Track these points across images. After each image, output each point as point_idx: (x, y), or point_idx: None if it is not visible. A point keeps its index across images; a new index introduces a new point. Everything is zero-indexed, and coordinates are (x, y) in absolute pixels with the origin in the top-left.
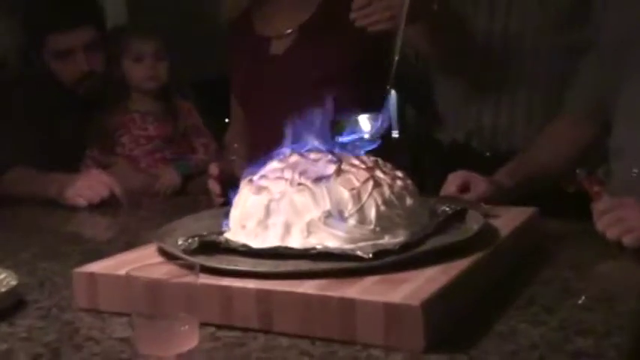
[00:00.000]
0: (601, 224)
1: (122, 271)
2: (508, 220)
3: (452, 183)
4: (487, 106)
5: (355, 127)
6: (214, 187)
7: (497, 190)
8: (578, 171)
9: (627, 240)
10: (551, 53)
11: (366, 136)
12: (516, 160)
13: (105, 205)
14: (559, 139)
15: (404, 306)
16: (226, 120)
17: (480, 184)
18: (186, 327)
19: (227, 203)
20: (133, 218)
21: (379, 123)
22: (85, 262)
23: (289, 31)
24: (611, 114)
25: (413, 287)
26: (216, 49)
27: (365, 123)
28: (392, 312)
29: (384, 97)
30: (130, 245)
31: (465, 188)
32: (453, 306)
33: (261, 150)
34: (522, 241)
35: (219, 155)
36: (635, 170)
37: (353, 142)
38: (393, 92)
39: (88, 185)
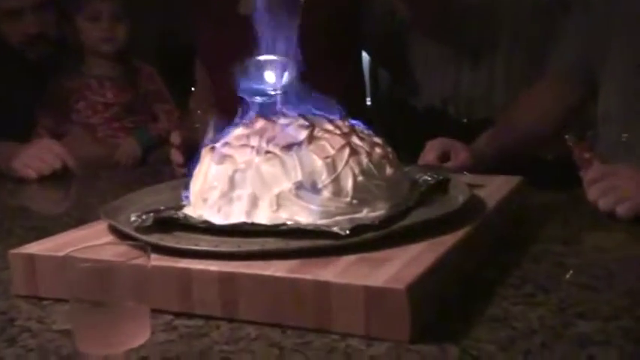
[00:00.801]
0: (592, 193)
1: (64, 252)
2: (493, 190)
3: (430, 151)
4: (464, 71)
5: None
6: (176, 156)
7: (478, 158)
8: (567, 136)
9: (621, 210)
10: (532, 15)
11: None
12: (497, 126)
13: (57, 178)
14: (542, 102)
15: (387, 290)
16: (192, 89)
17: (460, 152)
18: (136, 317)
19: (190, 174)
20: (87, 191)
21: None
22: (26, 241)
23: None
24: (597, 76)
25: (396, 268)
26: (185, 11)
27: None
28: (373, 297)
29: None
30: (81, 222)
31: (444, 157)
32: (440, 288)
33: (227, 118)
34: (509, 213)
35: (182, 123)
36: (625, 135)
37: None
38: (365, 56)
39: (38, 155)
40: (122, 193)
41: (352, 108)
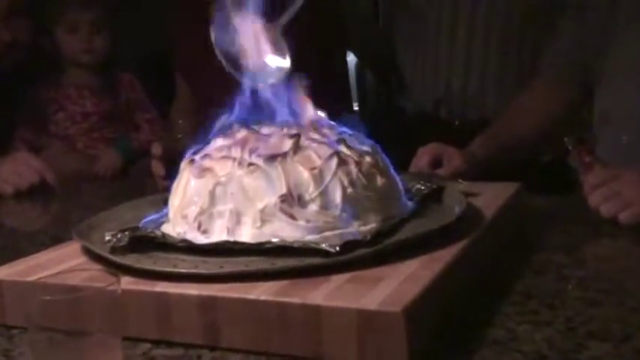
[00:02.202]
0: (594, 199)
1: (32, 277)
2: (490, 198)
3: (422, 157)
4: (456, 72)
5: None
6: (158, 168)
7: (472, 164)
8: (566, 139)
9: (624, 217)
10: (525, 15)
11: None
12: (490, 129)
13: (35, 193)
14: (537, 104)
15: (382, 313)
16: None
17: (453, 158)
18: (107, 348)
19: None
20: (66, 207)
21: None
22: None
23: None
24: (594, 77)
25: (391, 288)
26: (165, 19)
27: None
28: (367, 321)
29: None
30: (57, 240)
31: (436, 162)
32: (439, 308)
33: (209, 126)
34: (507, 223)
35: (164, 133)
36: (625, 137)
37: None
38: (352, 57)
39: (15, 170)
40: (104, 207)
41: (337, 111)
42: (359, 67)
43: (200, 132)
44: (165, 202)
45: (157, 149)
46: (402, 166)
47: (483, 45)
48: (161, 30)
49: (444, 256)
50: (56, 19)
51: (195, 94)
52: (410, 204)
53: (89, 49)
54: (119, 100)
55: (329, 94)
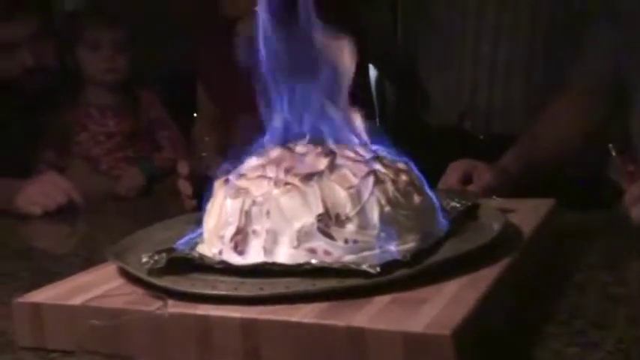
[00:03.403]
0: (637, 211)
1: (74, 301)
2: (526, 214)
3: (452, 173)
4: (480, 84)
5: None
6: (185, 187)
7: (504, 179)
8: (610, 145)
9: None
10: (550, 26)
11: None
12: (521, 143)
13: (62, 213)
14: (569, 116)
15: (430, 336)
16: (195, 114)
17: (484, 174)
18: None
19: (200, 206)
20: (93, 227)
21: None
22: (31, 284)
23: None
24: (630, 88)
25: (436, 309)
26: (185, 38)
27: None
28: (414, 344)
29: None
30: (88, 261)
31: (467, 179)
32: (485, 330)
33: (234, 143)
34: (546, 240)
35: (188, 151)
36: None
37: None
38: (372, 69)
39: (42, 191)
40: (130, 227)
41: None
42: (379, 80)
43: (226, 150)
44: (199, 222)
45: (183, 168)
46: (427, 180)
47: (508, 57)
48: (181, 46)
49: (487, 275)
50: (79, 38)
51: (218, 109)
52: (446, 222)
53: (112, 68)
54: (141, 119)
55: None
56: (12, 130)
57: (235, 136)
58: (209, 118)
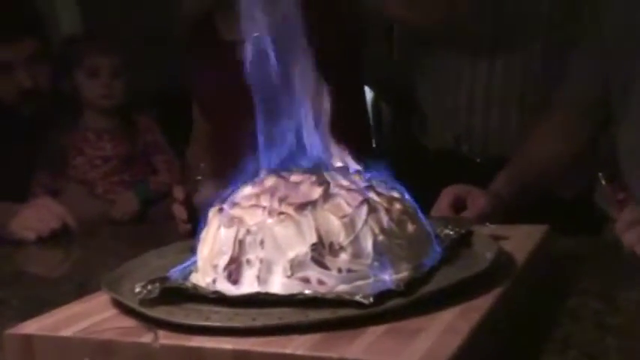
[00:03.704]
0: (629, 238)
1: (66, 332)
2: (519, 241)
3: (445, 199)
4: (477, 108)
5: None
6: (180, 212)
7: (497, 204)
8: (600, 174)
9: None
10: (546, 47)
11: None
12: (512, 166)
13: (56, 238)
14: (554, 136)
15: None
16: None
17: (478, 199)
18: None
19: (195, 231)
20: (88, 252)
21: None
22: (23, 313)
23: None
24: (614, 110)
25: (430, 340)
26: (179, 61)
27: None
28: None
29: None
30: (81, 288)
31: (460, 204)
32: (480, 359)
33: (229, 168)
34: (540, 267)
35: (185, 176)
36: None
37: None
38: (368, 92)
39: (37, 216)
40: (124, 252)
41: (358, 149)
42: (375, 102)
43: (221, 175)
44: (193, 250)
45: (178, 193)
46: (423, 203)
47: (504, 81)
48: (176, 68)
49: (481, 304)
50: (77, 63)
51: (213, 129)
52: (439, 250)
53: (109, 94)
54: (137, 143)
55: (349, 131)
56: (8, 153)
57: (230, 158)
58: (204, 140)
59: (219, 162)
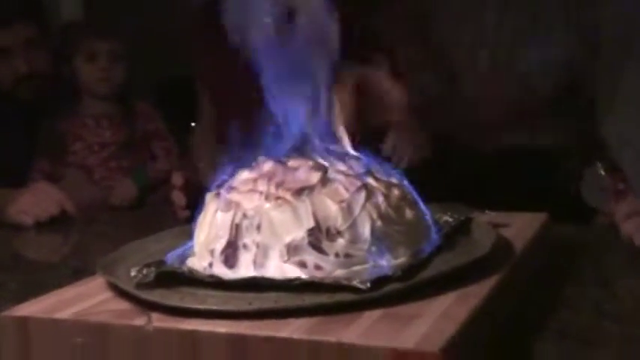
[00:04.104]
0: (627, 228)
1: (61, 315)
2: (518, 229)
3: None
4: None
5: None
6: (179, 198)
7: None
8: (598, 164)
9: None
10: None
11: None
12: None
13: (54, 224)
14: None
15: (419, 354)
16: (192, 124)
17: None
18: None
19: (193, 217)
20: (85, 237)
21: None
22: (20, 296)
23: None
24: (602, 100)
25: (426, 325)
26: (179, 46)
27: None
28: None
29: None
30: (78, 272)
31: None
32: (475, 346)
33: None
34: (538, 255)
35: (184, 162)
36: None
37: None
38: None
39: (35, 201)
40: (122, 237)
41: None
42: None
43: (223, 161)
44: (190, 235)
45: (177, 179)
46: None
47: (506, 69)
48: (177, 55)
49: (478, 291)
50: (75, 48)
51: (218, 113)
52: (437, 236)
53: (107, 78)
54: (136, 130)
55: None
56: (7, 138)
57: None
58: (208, 125)
59: (221, 148)
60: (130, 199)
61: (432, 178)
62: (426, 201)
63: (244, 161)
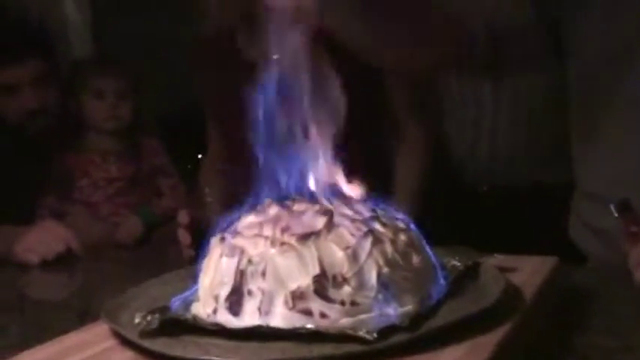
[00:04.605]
0: None
1: None
2: (528, 274)
3: None
4: (482, 134)
5: None
6: (184, 237)
7: None
8: (612, 205)
9: None
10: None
11: None
12: None
13: (60, 262)
14: None
15: None
16: (199, 156)
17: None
18: None
19: (199, 256)
20: (90, 276)
21: None
22: (23, 341)
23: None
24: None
25: None
26: (186, 81)
27: None
28: None
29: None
30: (83, 314)
31: None
32: None
33: (241, 192)
34: (548, 302)
35: (190, 200)
36: None
37: None
38: None
39: (41, 239)
40: (127, 277)
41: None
42: None
43: (231, 200)
44: (194, 278)
45: (183, 218)
46: (424, 233)
47: (511, 107)
48: (184, 89)
49: (488, 341)
50: (83, 85)
51: (227, 148)
52: (445, 282)
53: (114, 116)
54: (142, 165)
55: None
56: (14, 173)
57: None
58: (217, 160)
59: (229, 185)
60: (136, 237)
61: (438, 220)
62: (432, 244)
63: (251, 202)
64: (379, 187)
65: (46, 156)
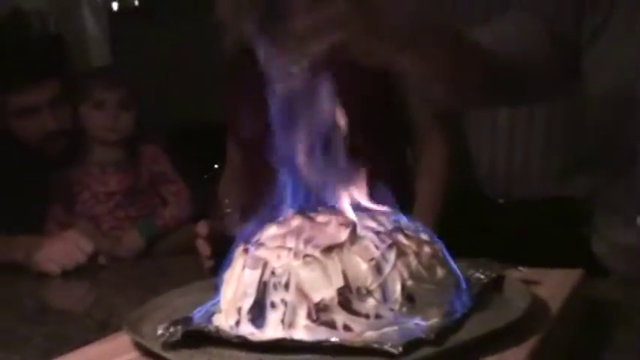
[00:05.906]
0: None
1: None
2: (553, 287)
3: None
4: (500, 148)
5: None
6: (203, 248)
7: None
8: (638, 219)
9: None
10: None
11: None
12: None
13: (79, 272)
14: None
15: None
16: (215, 166)
17: None
18: None
19: (218, 267)
20: (109, 287)
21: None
22: (45, 352)
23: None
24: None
25: None
26: (203, 92)
27: None
28: None
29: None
30: (103, 325)
31: None
32: None
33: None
34: (574, 315)
35: (209, 209)
36: None
37: None
38: None
39: (64, 249)
40: (145, 287)
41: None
42: None
43: (250, 211)
44: (215, 288)
45: (202, 228)
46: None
47: (528, 120)
48: (200, 98)
49: (515, 356)
50: (84, 97)
51: (246, 160)
52: (469, 295)
53: (114, 127)
54: (142, 173)
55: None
56: (29, 188)
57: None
58: (235, 171)
59: (247, 196)
60: (136, 252)
61: (460, 232)
62: (456, 256)
63: (272, 213)
64: (401, 199)
65: (53, 169)
